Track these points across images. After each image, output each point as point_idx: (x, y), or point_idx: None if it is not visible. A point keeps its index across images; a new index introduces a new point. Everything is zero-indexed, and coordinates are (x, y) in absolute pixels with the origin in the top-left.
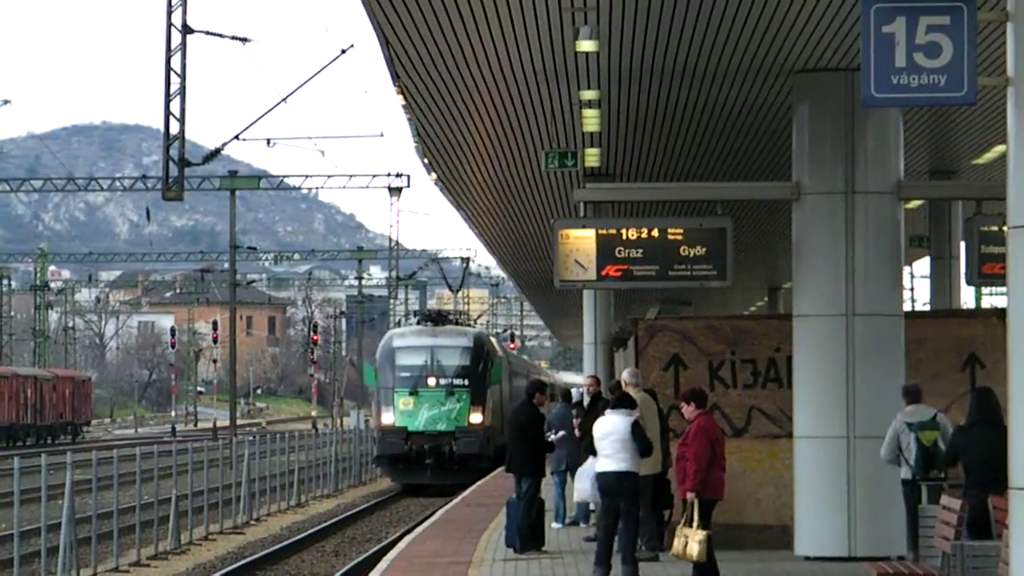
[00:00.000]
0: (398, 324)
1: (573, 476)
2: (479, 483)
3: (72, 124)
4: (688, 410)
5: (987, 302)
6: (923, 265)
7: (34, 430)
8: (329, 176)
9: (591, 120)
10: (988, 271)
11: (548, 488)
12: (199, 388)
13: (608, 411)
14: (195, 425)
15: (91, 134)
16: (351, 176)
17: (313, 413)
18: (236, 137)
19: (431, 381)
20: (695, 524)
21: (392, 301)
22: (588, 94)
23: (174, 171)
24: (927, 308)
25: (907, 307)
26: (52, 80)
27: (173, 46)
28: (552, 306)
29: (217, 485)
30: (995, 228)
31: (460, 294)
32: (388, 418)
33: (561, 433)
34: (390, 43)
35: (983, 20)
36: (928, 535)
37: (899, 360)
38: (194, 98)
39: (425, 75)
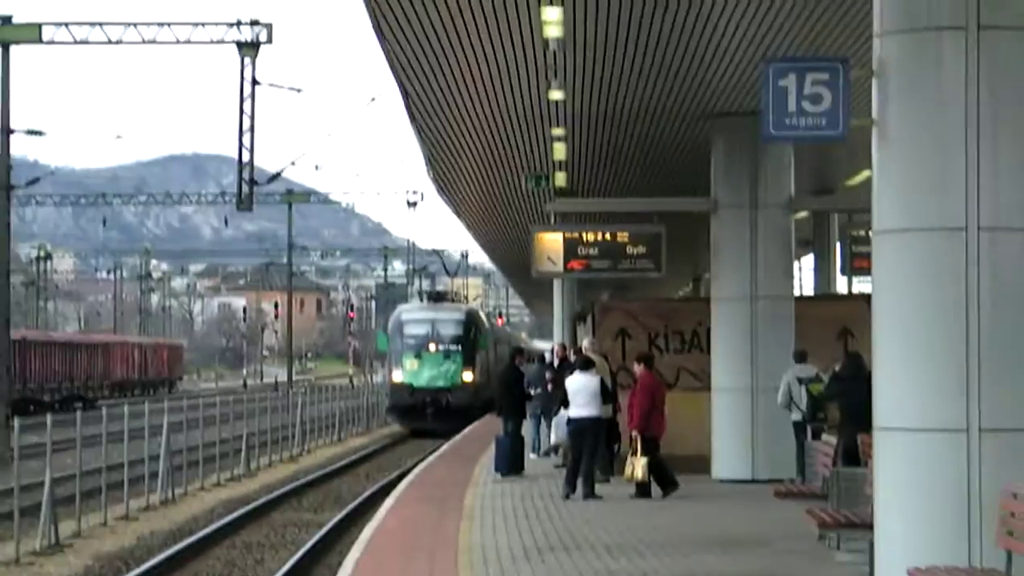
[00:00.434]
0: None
1: (546, 419)
2: (472, 427)
3: (170, 154)
4: (638, 368)
5: (856, 288)
6: (809, 260)
7: (140, 384)
8: (362, 193)
9: (560, 150)
10: (857, 265)
11: (528, 428)
12: (264, 352)
13: (578, 372)
14: (261, 380)
15: (184, 161)
16: (379, 193)
17: (350, 372)
18: (292, 163)
19: (432, 347)
20: (639, 454)
21: (409, 287)
22: (557, 131)
23: (245, 189)
24: (812, 293)
25: (796, 292)
26: (155, 119)
27: (245, 94)
28: (530, 291)
29: (277, 425)
30: (863, 233)
31: (460, 282)
32: (397, 376)
33: (536, 389)
34: (408, 94)
35: (855, 76)
36: (812, 463)
37: (790, 331)
38: (261, 132)
39: (434, 116)
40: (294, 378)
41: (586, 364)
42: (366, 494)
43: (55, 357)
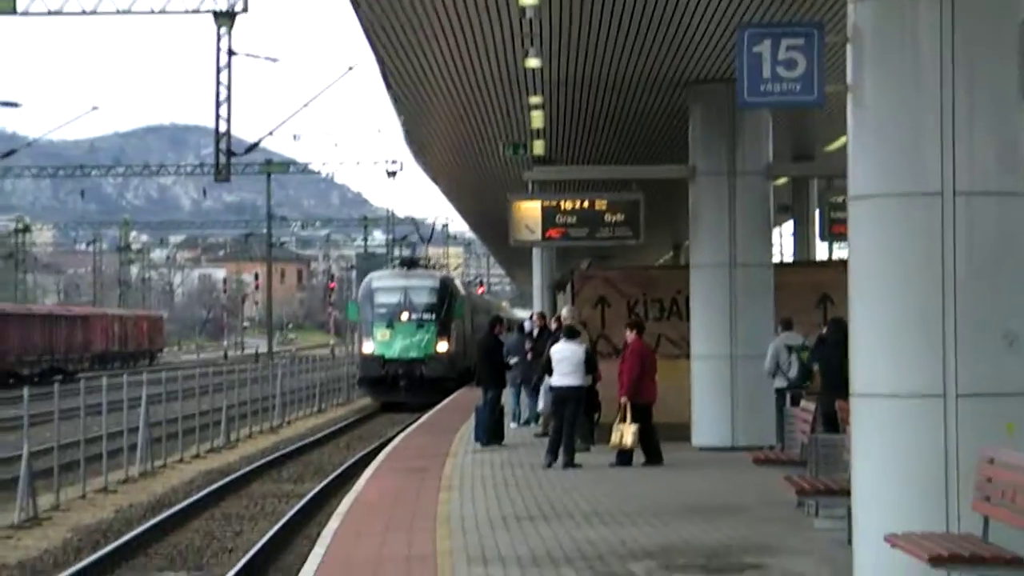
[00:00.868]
0: None
1: (527, 388)
2: (451, 398)
3: (148, 125)
4: (630, 335)
5: (836, 255)
6: (789, 227)
7: (120, 356)
8: (341, 163)
9: (537, 118)
10: (836, 231)
11: (507, 398)
12: (245, 324)
13: (562, 340)
14: (242, 352)
15: (162, 132)
16: (358, 163)
17: (331, 342)
18: (270, 134)
19: (404, 316)
20: (628, 420)
21: (389, 257)
22: (534, 99)
23: (223, 160)
24: (791, 260)
25: (776, 259)
26: (132, 89)
27: (221, 64)
28: (511, 259)
29: (258, 397)
30: (841, 199)
31: (439, 251)
32: (368, 347)
33: (515, 359)
34: (384, 62)
35: (829, 42)
36: (792, 430)
37: (769, 298)
38: (239, 103)
39: (410, 85)
40: (275, 349)
41: (571, 333)
42: (346, 465)
43: (34, 330)
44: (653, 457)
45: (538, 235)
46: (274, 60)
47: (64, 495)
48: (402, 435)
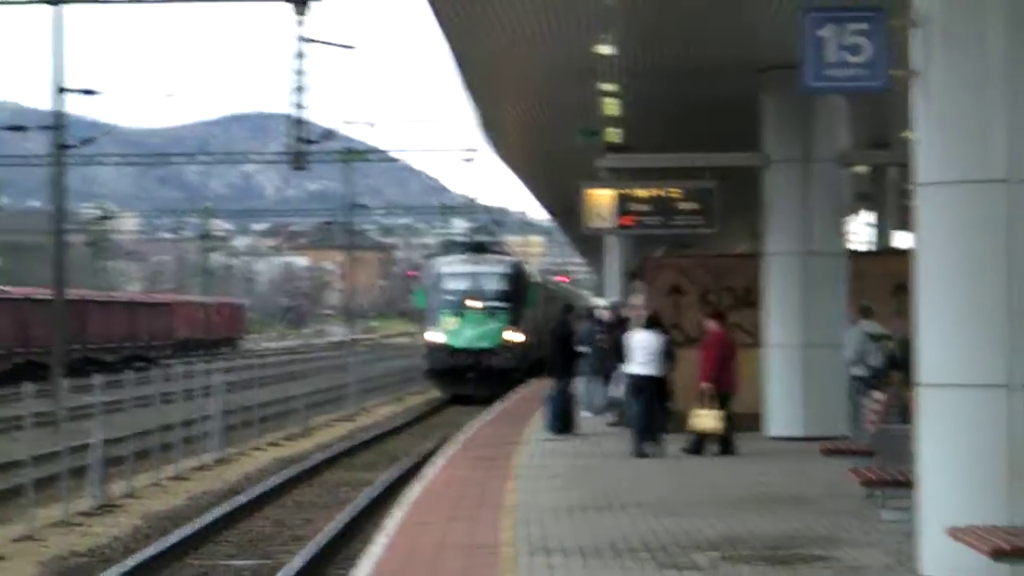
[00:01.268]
0: None
1: (599, 378)
2: (524, 389)
3: (232, 113)
4: (711, 324)
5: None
6: (868, 216)
7: (202, 343)
8: (421, 150)
9: (609, 106)
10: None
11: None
12: (327, 312)
13: (642, 329)
14: (323, 340)
15: (246, 121)
16: (437, 150)
17: (413, 330)
18: (346, 122)
19: (473, 304)
20: (712, 407)
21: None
22: (607, 86)
23: (299, 148)
24: (869, 249)
25: (852, 248)
26: (215, 78)
27: (296, 51)
28: (590, 249)
29: (337, 385)
30: None
31: (520, 240)
32: (435, 336)
33: (586, 348)
34: (458, 49)
35: (894, 25)
36: (863, 421)
37: (842, 288)
38: (317, 91)
39: (488, 77)
40: (357, 337)
41: (652, 323)
42: (420, 453)
43: (115, 317)
44: (727, 447)
45: (611, 223)
46: (349, 47)
47: (137, 482)
48: (476, 423)
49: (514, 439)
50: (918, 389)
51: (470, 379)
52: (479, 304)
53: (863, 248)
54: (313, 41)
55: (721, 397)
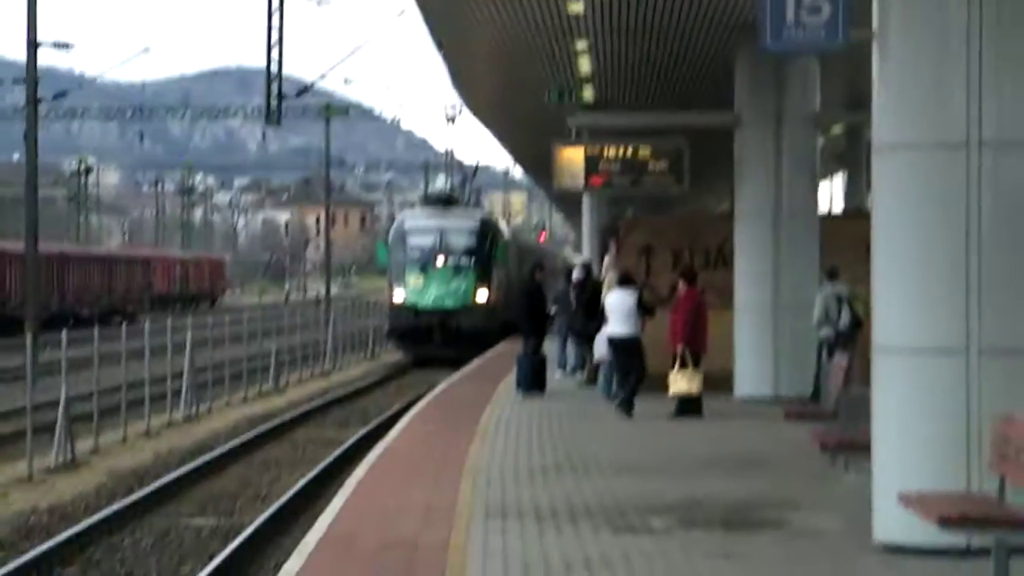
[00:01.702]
0: None
1: (572, 337)
2: (495, 349)
3: (214, 67)
4: (682, 285)
5: None
6: (842, 178)
7: (181, 298)
8: (401, 107)
9: (583, 64)
10: None
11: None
12: (307, 268)
13: (616, 288)
14: (303, 296)
15: (229, 75)
16: (419, 107)
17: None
18: (322, 76)
19: (439, 260)
20: (689, 367)
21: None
22: (580, 44)
23: (275, 103)
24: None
25: (825, 210)
26: (197, 32)
27: (273, 6)
28: (569, 206)
29: (313, 341)
30: None
31: (502, 197)
32: (399, 295)
33: (555, 308)
34: (431, 10)
35: None
36: (827, 384)
37: (815, 249)
38: (299, 47)
39: (461, 36)
40: (337, 293)
41: (624, 280)
42: (391, 412)
43: (94, 272)
44: (694, 407)
45: (581, 182)
46: (318, 3)
47: (105, 439)
48: (447, 382)
49: (484, 399)
50: (873, 353)
51: (435, 341)
52: (445, 261)
53: (839, 210)
54: None
55: (695, 356)
